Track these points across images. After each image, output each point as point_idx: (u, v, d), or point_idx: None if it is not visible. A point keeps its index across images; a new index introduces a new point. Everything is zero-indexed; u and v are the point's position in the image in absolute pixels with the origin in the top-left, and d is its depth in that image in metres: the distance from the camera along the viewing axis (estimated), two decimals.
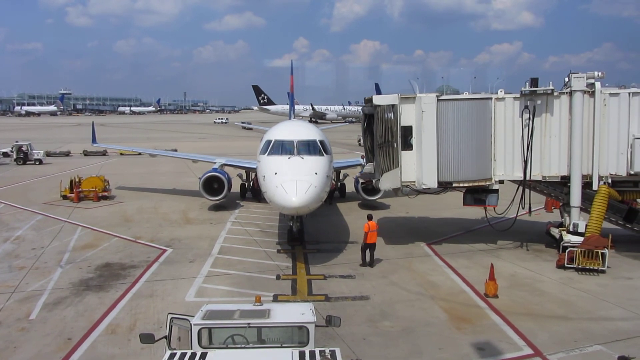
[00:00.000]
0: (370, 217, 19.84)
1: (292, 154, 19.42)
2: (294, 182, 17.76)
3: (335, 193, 32.44)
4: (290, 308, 9.70)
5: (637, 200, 21.45)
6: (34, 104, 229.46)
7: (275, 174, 18.62)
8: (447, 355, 12.43)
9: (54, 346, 12.84)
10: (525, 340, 13.17)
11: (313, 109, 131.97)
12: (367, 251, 19.39)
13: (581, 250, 18.58)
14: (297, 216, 20.41)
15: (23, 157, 52.00)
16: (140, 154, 48.17)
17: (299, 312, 8.95)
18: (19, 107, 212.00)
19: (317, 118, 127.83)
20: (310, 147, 19.91)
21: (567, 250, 18.99)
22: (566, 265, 18.80)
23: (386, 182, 20.78)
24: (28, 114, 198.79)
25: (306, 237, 22.13)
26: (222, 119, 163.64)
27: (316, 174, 18.55)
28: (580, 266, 18.52)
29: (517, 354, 12.55)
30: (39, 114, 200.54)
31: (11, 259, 20.11)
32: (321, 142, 20.48)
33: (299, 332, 8.65)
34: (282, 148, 19.92)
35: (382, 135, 20.27)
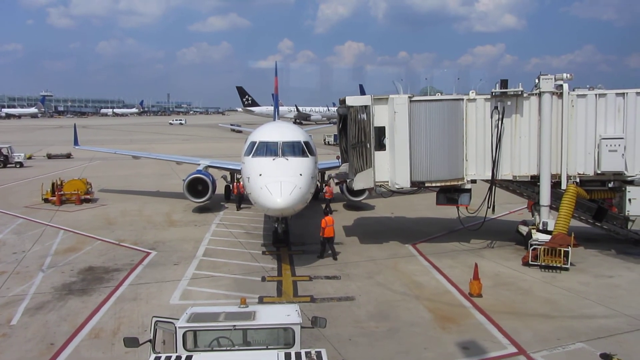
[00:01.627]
0: (326, 213, 21.48)
1: (277, 155, 19.38)
2: (278, 184, 17.74)
3: (320, 194, 32.43)
4: (275, 310, 9.69)
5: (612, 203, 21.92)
6: (14, 106, 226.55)
7: (260, 175, 18.57)
8: (432, 355, 12.50)
9: (36, 352, 12.67)
10: (509, 339, 13.30)
11: (297, 110, 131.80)
12: (327, 245, 20.57)
13: (545, 248, 18.95)
14: (282, 218, 20.39)
15: (3, 160, 51.30)
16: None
17: (285, 314, 8.95)
18: None
19: (301, 119, 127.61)
20: (295, 149, 19.89)
21: (531, 248, 19.42)
22: (530, 262, 19.20)
23: (359, 182, 21.07)
24: (8, 116, 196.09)
25: (291, 238, 22.09)
26: (179, 120, 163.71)
27: (301, 175, 18.54)
28: (543, 264, 18.88)
29: (501, 352, 12.66)
30: (19, 116, 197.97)
31: None
32: (306, 143, 20.47)
33: (284, 333, 8.65)
34: (266, 149, 19.87)
35: (356, 136, 20.53)
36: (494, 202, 21.44)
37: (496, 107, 20.68)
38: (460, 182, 21.14)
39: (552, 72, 20.52)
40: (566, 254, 18.71)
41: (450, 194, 21.82)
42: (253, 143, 20.58)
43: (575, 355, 12.45)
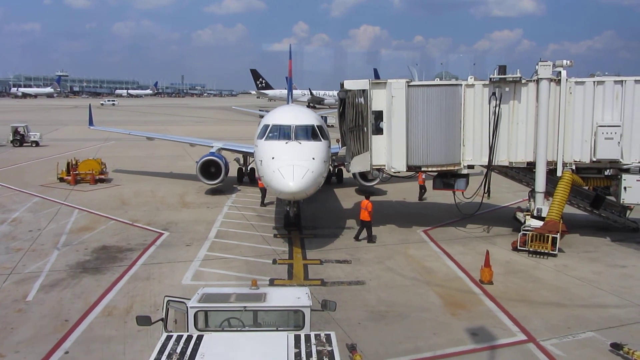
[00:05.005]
0: (366, 196, 21.12)
1: (290, 138, 19.35)
2: (291, 167, 17.74)
3: (333, 179, 32.46)
4: (286, 292, 9.75)
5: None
6: (30, 86, 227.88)
7: (273, 158, 18.58)
8: (441, 341, 12.53)
9: (51, 328, 12.90)
10: (519, 326, 13.28)
11: (311, 93, 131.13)
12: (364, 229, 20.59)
13: (533, 234, 18.98)
14: (294, 201, 20.43)
15: (20, 139, 51.82)
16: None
17: (295, 296, 8.99)
18: (15, 89, 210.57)
19: (315, 103, 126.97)
20: (308, 132, 19.86)
21: (520, 234, 19.52)
22: (519, 248, 19.31)
23: (356, 165, 21.29)
24: (24, 95, 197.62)
25: (303, 222, 22.16)
26: (112, 100, 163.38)
27: (313, 159, 18.52)
28: (531, 249, 18.95)
29: (510, 339, 12.65)
30: (35, 96, 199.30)
31: (8, 241, 20.12)
32: (319, 127, 20.44)
33: (294, 316, 8.70)
34: (279, 133, 19.86)
35: (353, 120, 20.64)
36: (489, 187, 21.67)
37: (494, 93, 20.70)
38: (457, 167, 21.27)
39: (570, 58, 20.41)
40: (554, 240, 18.70)
41: (447, 178, 21.98)
42: (266, 126, 20.57)
43: (586, 344, 12.40)
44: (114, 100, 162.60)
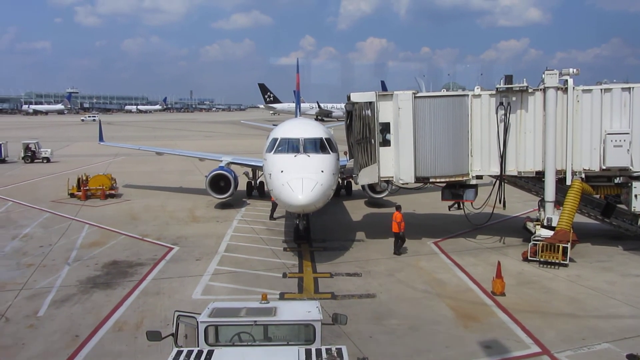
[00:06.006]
0: (397, 208, 20.97)
1: (299, 151, 19.38)
2: (300, 180, 17.74)
3: (342, 191, 32.42)
4: (296, 306, 9.70)
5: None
6: (41, 103, 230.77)
7: (282, 171, 18.60)
8: (453, 353, 12.40)
9: (61, 343, 12.91)
10: (532, 338, 13.11)
11: (319, 106, 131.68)
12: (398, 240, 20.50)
13: (544, 244, 18.80)
14: (304, 214, 20.40)
15: (31, 155, 52.31)
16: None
17: (305, 310, 8.94)
18: (27, 106, 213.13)
19: (323, 116, 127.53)
20: (316, 145, 19.88)
21: (531, 244, 19.35)
22: (529, 258, 19.11)
23: (364, 177, 21.34)
24: (36, 112, 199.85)
25: (312, 235, 22.11)
26: (92, 117, 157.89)
27: (322, 171, 18.52)
28: (542, 259, 18.75)
29: (524, 352, 12.50)
30: (46, 113, 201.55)
31: (19, 257, 20.23)
32: (327, 139, 20.46)
33: (305, 330, 8.64)
34: (288, 146, 19.90)
35: (360, 132, 20.79)
36: (504, 198, 21.53)
37: (501, 103, 20.70)
38: (465, 178, 21.18)
39: (578, 66, 20.42)
40: (565, 250, 18.51)
41: (456, 189, 21.90)
42: (275, 140, 20.63)
43: (601, 356, 12.22)
44: (94, 116, 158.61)
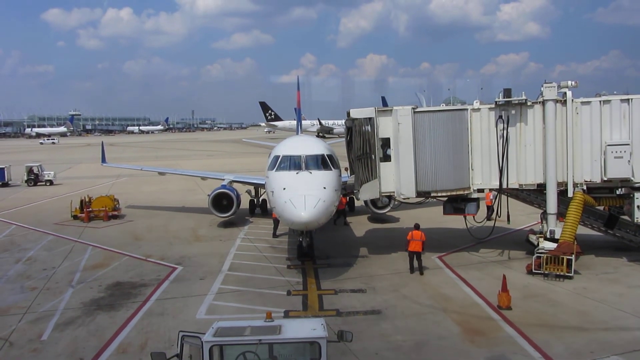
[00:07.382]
0: (416, 227, 20.19)
1: (300, 168, 19.43)
2: (302, 197, 17.75)
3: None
4: (301, 324, 9.63)
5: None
6: (44, 126, 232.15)
7: (284, 189, 18.62)
8: None
9: None
10: (540, 352, 12.99)
11: (320, 123, 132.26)
12: (414, 259, 19.82)
13: (548, 257, 18.74)
14: (307, 231, 20.37)
15: (34, 178, 52.46)
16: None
17: (310, 328, 8.89)
18: (30, 129, 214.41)
19: (324, 133, 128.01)
20: (318, 162, 19.92)
21: (534, 256, 19.27)
22: (534, 271, 19.03)
23: (365, 193, 21.36)
24: (38, 135, 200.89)
25: (316, 252, 22.05)
26: (51, 139, 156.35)
27: (325, 188, 18.54)
28: (546, 272, 18.67)
29: None
30: (49, 135, 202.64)
31: (23, 280, 20.18)
32: (329, 156, 20.52)
33: (310, 347, 8.59)
34: (290, 163, 19.95)
35: (361, 148, 20.88)
36: (508, 211, 21.60)
37: (501, 116, 20.81)
38: (466, 192, 21.22)
39: (577, 79, 20.50)
40: (569, 262, 18.43)
41: (457, 203, 21.91)
42: (276, 157, 20.69)
43: None
44: (53, 139, 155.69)
